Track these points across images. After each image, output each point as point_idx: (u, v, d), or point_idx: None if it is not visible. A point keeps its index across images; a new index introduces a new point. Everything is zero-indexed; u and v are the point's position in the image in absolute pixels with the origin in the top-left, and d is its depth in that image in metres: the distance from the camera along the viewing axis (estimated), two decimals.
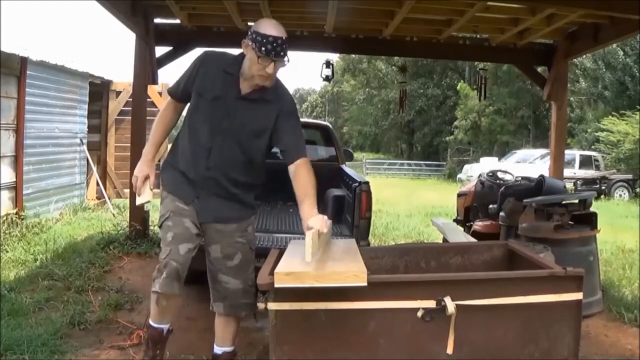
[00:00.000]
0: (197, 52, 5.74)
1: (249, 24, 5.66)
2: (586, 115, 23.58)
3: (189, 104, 2.59)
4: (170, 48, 5.77)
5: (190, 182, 2.51)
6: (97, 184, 8.99)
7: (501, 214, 4.63)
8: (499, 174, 6.05)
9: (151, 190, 2.62)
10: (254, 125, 2.48)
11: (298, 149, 2.51)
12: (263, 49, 2.31)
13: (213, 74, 2.48)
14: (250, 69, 2.40)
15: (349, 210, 4.32)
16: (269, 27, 2.36)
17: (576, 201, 4.24)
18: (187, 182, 2.52)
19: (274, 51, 2.32)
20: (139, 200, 2.65)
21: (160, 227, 2.56)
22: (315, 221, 2.18)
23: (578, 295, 2.10)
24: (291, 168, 2.47)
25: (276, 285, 1.88)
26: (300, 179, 2.43)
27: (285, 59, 2.39)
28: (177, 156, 2.58)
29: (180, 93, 2.60)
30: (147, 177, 2.59)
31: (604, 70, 21.94)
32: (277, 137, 2.51)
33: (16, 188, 6.54)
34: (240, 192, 2.56)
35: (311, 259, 1.90)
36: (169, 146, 2.85)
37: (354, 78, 38.45)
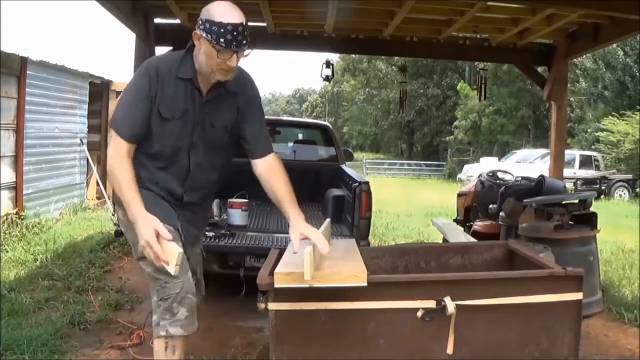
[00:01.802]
0: None
1: (249, 24, 5.64)
2: (586, 115, 23.59)
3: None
4: (170, 48, 5.75)
5: (171, 204, 2.17)
6: (97, 184, 8.99)
7: (501, 214, 4.63)
8: (499, 174, 6.05)
9: (171, 240, 1.95)
10: (223, 122, 2.18)
11: (267, 143, 2.27)
12: (222, 40, 1.95)
13: (170, 88, 2.07)
14: (207, 64, 2.03)
15: (349, 210, 4.33)
16: (224, 13, 1.97)
17: (576, 201, 4.25)
18: (168, 203, 2.17)
19: (235, 41, 1.96)
20: (173, 266, 1.89)
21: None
22: (316, 236, 1.98)
23: (578, 295, 2.10)
24: (259, 163, 2.22)
25: (276, 286, 1.88)
26: (277, 180, 2.18)
27: (247, 47, 2.02)
28: (143, 175, 2.13)
29: (139, 132, 2.06)
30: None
31: (604, 70, 21.96)
32: (242, 129, 2.22)
33: (16, 188, 6.54)
34: (209, 201, 2.40)
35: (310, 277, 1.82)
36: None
37: (354, 78, 38.44)
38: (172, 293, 2.06)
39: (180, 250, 1.92)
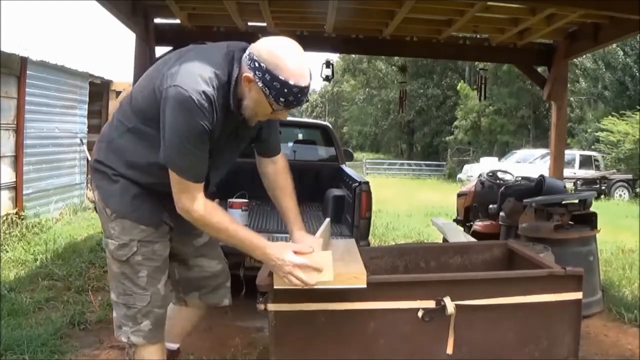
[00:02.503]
0: None
1: (249, 24, 5.65)
2: (586, 115, 23.60)
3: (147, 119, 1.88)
4: (170, 48, 5.75)
5: (156, 198, 1.96)
6: None
7: (501, 214, 4.63)
8: (499, 174, 6.05)
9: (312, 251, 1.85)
10: (250, 135, 2.06)
11: (277, 142, 2.15)
12: (282, 100, 1.71)
13: (219, 119, 1.81)
14: (254, 109, 1.80)
15: (349, 210, 4.32)
16: (294, 69, 1.70)
17: (576, 201, 4.24)
18: (152, 199, 1.96)
19: (297, 102, 1.74)
20: (331, 271, 1.81)
21: (124, 261, 1.96)
22: (318, 246, 1.92)
23: (577, 295, 2.10)
24: (267, 162, 2.13)
25: (275, 287, 1.87)
26: (283, 188, 2.12)
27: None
28: (136, 169, 1.94)
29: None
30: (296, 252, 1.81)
31: (604, 70, 21.96)
32: (259, 128, 2.08)
33: (16, 188, 6.54)
34: None
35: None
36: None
37: (354, 78, 38.48)
38: (137, 304, 1.98)
39: (330, 252, 1.84)
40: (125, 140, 1.95)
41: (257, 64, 1.71)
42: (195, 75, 1.74)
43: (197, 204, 1.81)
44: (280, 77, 1.68)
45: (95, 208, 2.09)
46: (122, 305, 2.00)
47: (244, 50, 1.81)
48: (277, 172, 2.14)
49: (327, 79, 6.80)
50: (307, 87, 1.74)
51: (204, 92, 1.72)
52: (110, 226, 1.97)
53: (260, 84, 1.71)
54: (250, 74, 1.72)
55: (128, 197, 1.94)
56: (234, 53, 1.82)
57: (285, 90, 1.69)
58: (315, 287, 1.83)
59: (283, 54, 1.72)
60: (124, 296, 1.99)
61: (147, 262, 1.97)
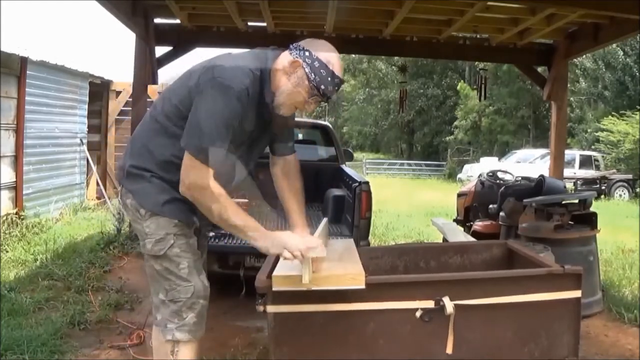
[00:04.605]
0: (197, 52, 5.72)
1: (249, 24, 5.65)
2: (586, 115, 23.58)
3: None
4: (170, 48, 5.77)
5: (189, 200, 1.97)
6: (97, 184, 9.00)
7: (501, 214, 4.63)
8: (499, 174, 6.05)
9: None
10: (271, 130, 2.13)
11: (289, 142, 2.25)
12: (323, 87, 1.89)
13: (250, 112, 1.93)
14: (288, 96, 1.93)
15: (349, 210, 4.33)
16: (337, 64, 1.91)
17: (576, 201, 4.25)
18: (185, 201, 1.97)
19: (332, 95, 1.94)
20: (318, 252, 1.86)
21: (162, 255, 1.99)
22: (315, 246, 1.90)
23: (577, 293, 2.10)
24: (277, 162, 2.23)
25: (274, 289, 1.87)
26: (289, 188, 2.21)
27: None
28: (170, 168, 1.98)
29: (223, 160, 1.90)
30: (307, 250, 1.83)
31: (604, 70, 21.95)
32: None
33: (16, 188, 6.55)
34: None
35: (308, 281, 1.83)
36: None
37: (354, 78, 38.37)
38: (182, 297, 2.00)
39: (320, 240, 1.93)
40: (157, 143, 2.02)
41: (307, 53, 1.91)
42: (233, 69, 1.89)
43: (205, 180, 1.84)
44: (327, 66, 1.89)
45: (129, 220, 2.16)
46: (169, 302, 2.01)
47: (275, 50, 2.00)
48: (284, 173, 2.24)
49: None
50: (342, 83, 1.95)
51: (242, 82, 1.86)
52: (144, 225, 2.01)
53: (307, 69, 1.89)
54: (298, 59, 1.90)
55: (162, 196, 2.00)
56: (265, 53, 1.99)
57: (329, 78, 1.89)
58: (314, 289, 1.83)
59: (328, 49, 1.96)
60: (171, 292, 2.01)
61: (185, 254, 2.02)
